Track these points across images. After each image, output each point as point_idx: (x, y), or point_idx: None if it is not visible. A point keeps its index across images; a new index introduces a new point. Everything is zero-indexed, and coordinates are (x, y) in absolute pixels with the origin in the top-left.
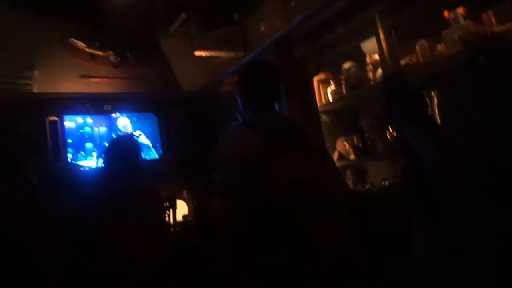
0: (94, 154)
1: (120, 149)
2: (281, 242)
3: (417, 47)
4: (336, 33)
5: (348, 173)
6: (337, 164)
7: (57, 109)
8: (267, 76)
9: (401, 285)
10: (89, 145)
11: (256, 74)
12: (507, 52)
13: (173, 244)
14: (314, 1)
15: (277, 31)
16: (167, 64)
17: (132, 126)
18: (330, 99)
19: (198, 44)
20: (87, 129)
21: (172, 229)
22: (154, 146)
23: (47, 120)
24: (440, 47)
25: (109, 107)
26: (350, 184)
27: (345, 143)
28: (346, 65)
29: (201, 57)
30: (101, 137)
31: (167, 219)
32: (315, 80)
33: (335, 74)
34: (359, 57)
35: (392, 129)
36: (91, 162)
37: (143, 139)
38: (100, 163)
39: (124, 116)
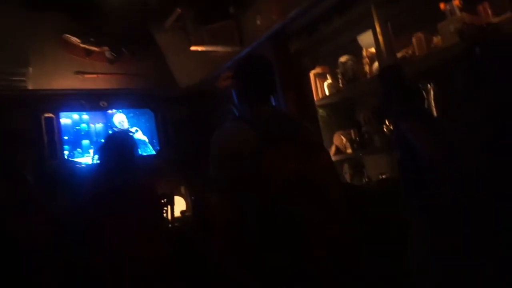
0: (91, 151)
1: (115, 146)
2: (276, 237)
3: (414, 40)
4: (332, 26)
5: (346, 167)
6: (335, 158)
7: (52, 105)
8: (262, 70)
9: (399, 279)
10: (85, 142)
11: (250, 69)
12: (503, 43)
13: (171, 240)
14: None
15: (273, 24)
16: (163, 59)
17: (129, 122)
18: (327, 92)
19: (194, 39)
20: (84, 125)
21: (170, 225)
22: (151, 142)
23: (42, 117)
24: (436, 39)
25: (105, 104)
26: (347, 178)
27: (342, 137)
28: (343, 58)
29: (197, 52)
30: (98, 134)
31: (165, 215)
32: (311, 74)
33: (331, 67)
34: (356, 50)
35: (389, 123)
36: (88, 159)
37: (140, 135)
38: (95, 160)
39: (120, 112)
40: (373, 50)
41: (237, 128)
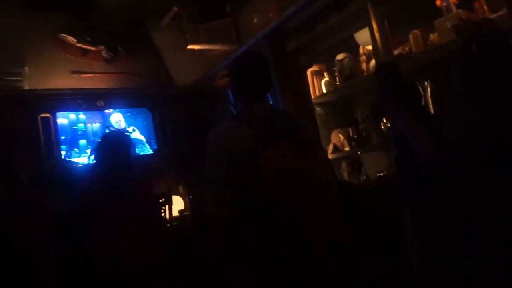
0: (88, 151)
1: (110, 145)
2: (273, 235)
3: (410, 37)
4: (329, 23)
5: (344, 165)
6: (332, 156)
7: (49, 105)
8: (258, 68)
9: (396, 276)
10: (82, 141)
11: (246, 67)
12: (500, 39)
13: (170, 240)
14: None
15: (270, 22)
16: (160, 58)
17: (126, 121)
18: (324, 90)
19: (190, 38)
20: (80, 125)
21: (168, 225)
22: (148, 142)
23: (39, 117)
24: (433, 36)
25: (102, 103)
26: (345, 176)
27: (340, 135)
28: (340, 56)
29: (194, 51)
30: (95, 134)
31: (163, 214)
32: (308, 71)
33: (328, 65)
34: (353, 48)
35: (386, 120)
36: (85, 159)
37: (137, 135)
38: (91, 160)
39: (117, 112)
40: (370, 47)
41: (233, 126)
